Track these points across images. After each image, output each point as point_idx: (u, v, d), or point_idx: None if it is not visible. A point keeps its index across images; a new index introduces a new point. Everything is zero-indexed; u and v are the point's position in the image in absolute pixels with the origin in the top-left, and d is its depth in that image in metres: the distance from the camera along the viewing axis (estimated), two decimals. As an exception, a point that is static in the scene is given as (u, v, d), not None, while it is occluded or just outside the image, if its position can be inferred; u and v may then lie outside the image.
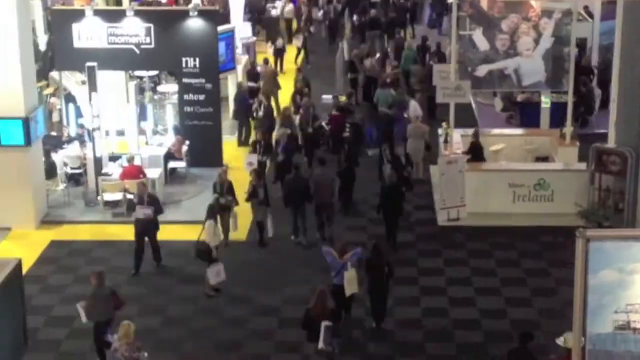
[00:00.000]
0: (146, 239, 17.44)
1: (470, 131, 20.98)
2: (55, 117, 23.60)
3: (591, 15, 27.33)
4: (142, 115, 23.09)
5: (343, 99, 25.27)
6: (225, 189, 18.35)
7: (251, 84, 26.41)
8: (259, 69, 27.45)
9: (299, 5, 35.66)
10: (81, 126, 22.10)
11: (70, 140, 21.95)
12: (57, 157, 21.24)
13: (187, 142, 21.86)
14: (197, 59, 21.81)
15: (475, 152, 20.10)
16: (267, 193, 18.55)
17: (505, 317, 15.78)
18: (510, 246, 18.23)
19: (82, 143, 21.43)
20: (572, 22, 20.62)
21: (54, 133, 22.60)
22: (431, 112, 24.74)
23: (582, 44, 25.65)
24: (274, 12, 35.45)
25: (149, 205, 17.33)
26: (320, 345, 13.25)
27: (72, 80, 23.74)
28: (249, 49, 29.33)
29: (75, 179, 21.22)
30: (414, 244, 18.49)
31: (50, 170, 20.88)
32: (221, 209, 17.99)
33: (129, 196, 19.22)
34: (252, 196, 18.32)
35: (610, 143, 18.67)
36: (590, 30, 26.52)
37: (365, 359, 14.71)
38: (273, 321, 15.67)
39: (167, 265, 17.65)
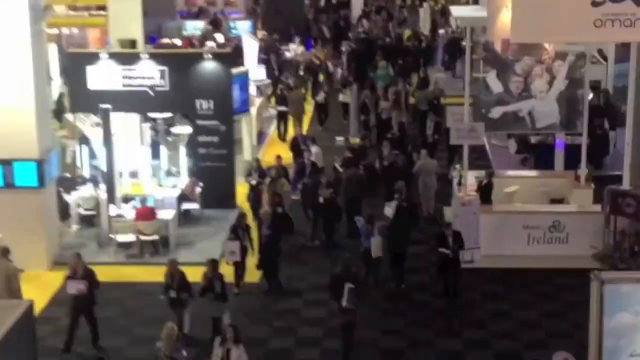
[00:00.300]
0: None
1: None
2: (68, 159, 23.66)
3: (605, 58, 27.39)
4: (155, 157, 23.12)
5: (357, 141, 25.33)
6: (176, 282, 16.37)
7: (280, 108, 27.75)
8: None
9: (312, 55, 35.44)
10: (95, 168, 22.14)
11: (84, 181, 21.99)
12: (71, 198, 21.27)
13: (201, 184, 21.87)
14: (212, 101, 21.90)
15: (485, 193, 20.01)
16: (224, 287, 16.30)
17: (521, 360, 15.66)
18: (525, 288, 18.09)
19: (96, 185, 21.46)
20: (586, 64, 20.63)
21: (67, 174, 22.64)
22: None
23: (597, 86, 25.63)
24: (288, 55, 35.67)
25: (82, 279, 15.92)
26: (344, 303, 15.07)
27: (86, 123, 23.85)
28: (262, 91, 29.50)
29: (88, 220, 21.22)
30: (426, 286, 18.37)
31: (63, 212, 20.90)
32: (173, 304, 16.38)
33: (142, 237, 19.27)
34: (206, 290, 16.17)
35: (625, 185, 18.58)
36: (604, 72, 26.54)
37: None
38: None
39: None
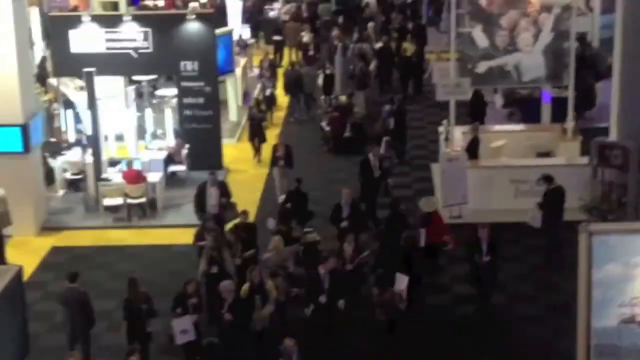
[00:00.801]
0: None
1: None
2: (55, 123, 23.51)
3: (591, 9, 27.27)
4: (141, 119, 23.04)
5: (343, 98, 25.23)
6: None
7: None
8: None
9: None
10: (79, 132, 21.99)
11: (69, 146, 21.88)
12: (56, 163, 21.16)
13: (187, 146, 21.77)
14: (196, 62, 21.73)
15: (473, 148, 19.97)
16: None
17: (512, 313, 15.70)
18: (514, 242, 18.12)
19: (82, 149, 21.33)
20: (572, 16, 20.51)
21: (53, 139, 22.51)
22: None
23: (583, 38, 25.53)
24: (272, 14, 35.39)
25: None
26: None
27: (70, 87, 23.67)
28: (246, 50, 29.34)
29: (74, 185, 21.13)
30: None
31: (48, 177, 20.80)
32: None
33: (129, 201, 19.23)
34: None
35: (612, 137, 18.57)
36: (590, 24, 26.42)
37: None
38: None
39: (169, 270, 17.52)
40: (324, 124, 24.02)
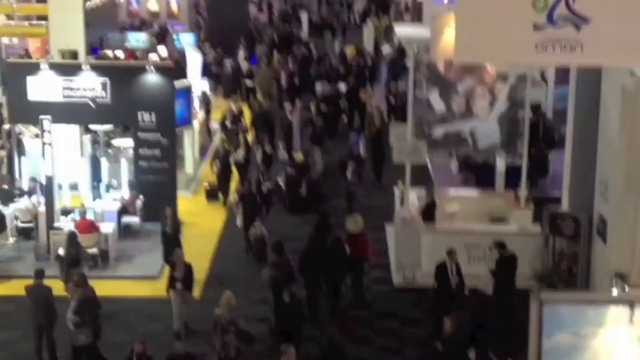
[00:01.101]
0: None
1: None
2: (3, 170, 23.25)
3: (546, 80, 27.73)
4: (95, 170, 22.89)
5: (299, 156, 25.35)
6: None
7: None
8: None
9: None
10: (33, 180, 21.79)
11: (22, 193, 21.64)
12: (8, 210, 20.90)
13: (141, 197, 21.66)
14: (154, 114, 21.73)
15: (428, 211, 20.12)
16: None
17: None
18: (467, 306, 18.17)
19: (35, 197, 21.13)
20: (527, 86, 20.87)
21: (4, 186, 22.26)
22: None
23: (537, 107, 25.93)
24: (228, 67, 35.58)
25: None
26: None
27: (26, 134, 23.53)
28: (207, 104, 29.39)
29: (25, 233, 20.86)
30: (370, 304, 18.37)
31: (0, 224, 20.51)
32: None
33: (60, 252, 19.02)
34: None
35: (564, 207, 18.81)
36: (544, 94, 26.86)
37: None
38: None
39: (120, 322, 17.31)
40: (280, 181, 24.05)
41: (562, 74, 25.31)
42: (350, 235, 18.26)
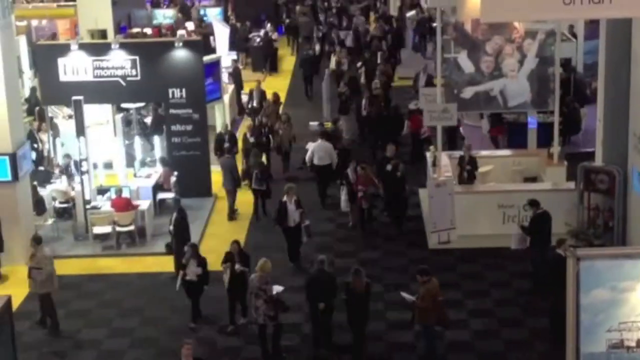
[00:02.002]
0: None
1: (457, 154, 21.10)
2: (44, 152, 23.49)
3: (575, 35, 27.51)
4: (129, 147, 23.11)
5: (329, 125, 25.35)
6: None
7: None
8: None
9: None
10: (67, 156, 21.98)
11: (58, 174, 21.88)
12: (45, 191, 21.16)
13: (176, 173, 21.82)
14: (184, 90, 21.83)
15: (470, 171, 20.18)
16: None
17: (499, 338, 15.75)
18: (502, 267, 18.21)
19: (69, 176, 21.35)
20: (556, 42, 20.71)
21: (41, 167, 22.53)
22: None
23: (567, 63, 25.75)
24: (258, 41, 35.61)
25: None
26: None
27: (59, 115, 23.75)
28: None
29: (63, 213, 21.11)
30: (406, 268, 18.44)
31: (39, 206, 20.78)
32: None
33: (118, 229, 19.28)
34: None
35: (598, 161, 18.72)
36: (574, 49, 26.65)
37: None
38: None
39: (158, 298, 17.55)
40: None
41: (592, 29, 25.12)
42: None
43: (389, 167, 20.17)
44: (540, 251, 16.98)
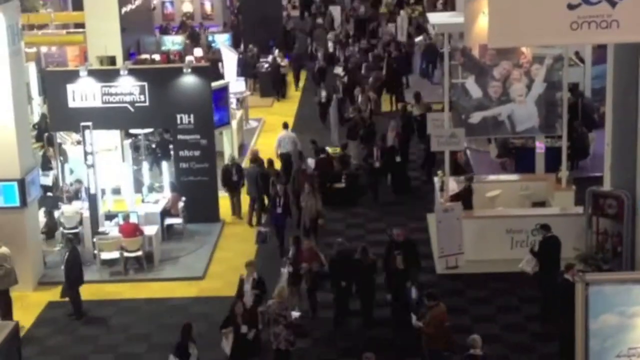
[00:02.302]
0: None
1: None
2: (51, 178, 23.50)
3: (582, 60, 27.52)
4: (137, 173, 23.16)
5: (338, 150, 25.35)
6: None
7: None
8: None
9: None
10: (78, 182, 22.04)
11: (66, 200, 21.93)
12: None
13: (183, 199, 21.84)
14: (192, 115, 21.89)
15: (466, 198, 20.06)
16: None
17: (506, 362, 15.71)
18: (510, 292, 18.14)
19: (79, 203, 21.39)
20: (564, 67, 20.73)
21: (49, 194, 22.57)
22: None
23: (574, 88, 25.75)
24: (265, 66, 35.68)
25: None
26: None
27: (67, 141, 23.82)
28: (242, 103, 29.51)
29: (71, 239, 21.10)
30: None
31: (51, 231, 20.82)
32: None
33: (126, 254, 19.30)
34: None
35: (606, 186, 18.67)
36: (582, 74, 26.66)
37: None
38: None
39: (166, 324, 17.51)
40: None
41: (599, 53, 25.13)
42: None
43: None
44: (549, 276, 16.91)
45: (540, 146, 21.98)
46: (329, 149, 25.19)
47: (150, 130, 25.05)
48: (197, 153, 22.17)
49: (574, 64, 26.21)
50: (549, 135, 22.00)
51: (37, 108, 28.33)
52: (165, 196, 22.16)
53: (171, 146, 22.98)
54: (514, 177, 22.75)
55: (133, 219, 20.24)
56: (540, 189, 21.19)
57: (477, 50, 20.54)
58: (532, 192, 21.15)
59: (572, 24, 12.62)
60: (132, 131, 24.26)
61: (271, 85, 34.46)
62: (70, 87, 21.62)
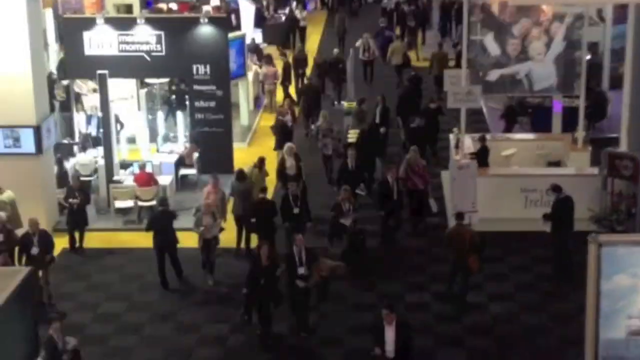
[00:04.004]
0: None
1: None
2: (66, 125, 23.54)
3: (603, 19, 27.26)
4: (153, 122, 23.18)
5: (353, 105, 25.24)
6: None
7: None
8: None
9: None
10: (92, 133, 22.09)
11: (81, 148, 21.99)
12: (68, 164, 21.26)
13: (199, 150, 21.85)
14: (208, 66, 21.83)
15: (481, 157, 20.03)
16: None
17: (519, 323, 15.73)
18: (523, 251, 18.16)
19: (94, 150, 21.47)
20: (584, 26, 20.54)
21: (64, 141, 22.61)
22: None
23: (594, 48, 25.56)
24: (283, 19, 35.50)
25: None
26: None
27: (83, 89, 23.82)
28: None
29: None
30: (427, 250, 18.43)
31: (63, 179, 20.88)
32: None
33: (140, 203, 19.39)
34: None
35: (622, 147, 18.59)
36: (602, 34, 26.43)
37: None
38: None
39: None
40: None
41: (620, 13, 24.87)
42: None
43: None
44: (562, 236, 16.91)
45: (557, 105, 21.86)
46: (345, 104, 25.12)
47: (165, 80, 25.04)
48: (212, 104, 22.14)
49: (595, 23, 25.97)
50: (566, 95, 21.86)
51: (53, 55, 28.27)
52: (179, 147, 22.19)
53: (187, 96, 22.95)
54: (529, 136, 22.67)
55: (148, 169, 20.29)
56: (556, 149, 21.11)
57: (496, 7, 20.38)
58: (547, 152, 21.08)
59: (594, -18, 12.54)
60: (147, 80, 24.22)
61: (285, 37, 34.26)
62: (86, 35, 21.56)
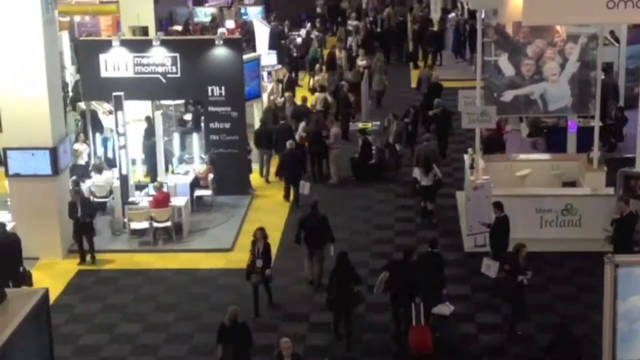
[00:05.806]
0: None
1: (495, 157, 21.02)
2: (80, 161, 23.44)
3: (617, 40, 27.25)
4: (168, 144, 23.24)
5: (369, 125, 25.30)
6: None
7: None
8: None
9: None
10: (99, 158, 22.17)
11: (97, 169, 22.06)
12: (84, 185, 21.33)
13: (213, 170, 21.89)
14: (223, 88, 21.92)
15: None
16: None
17: (535, 343, 15.64)
18: (538, 271, 18.05)
19: (105, 172, 21.55)
20: (598, 46, 20.54)
21: (81, 162, 22.70)
22: None
23: (608, 68, 25.51)
24: (299, 40, 35.59)
25: None
26: None
27: (100, 111, 23.94)
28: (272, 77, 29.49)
29: (101, 208, 21.26)
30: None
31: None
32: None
33: (155, 224, 19.42)
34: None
35: (638, 167, 18.53)
36: (616, 54, 26.41)
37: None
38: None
39: (194, 294, 17.64)
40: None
41: (635, 33, 24.88)
42: None
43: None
44: (499, 255, 17.04)
45: (572, 125, 21.82)
46: (360, 125, 25.16)
47: (181, 101, 25.14)
48: (227, 125, 22.21)
49: (609, 44, 25.97)
50: (582, 115, 21.82)
51: (70, 77, 28.46)
52: (195, 168, 22.25)
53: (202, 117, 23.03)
54: (545, 156, 22.62)
55: (163, 190, 20.33)
56: (571, 169, 21.05)
57: (510, 28, 20.39)
58: (562, 172, 21.03)
59: (608, 3, 12.51)
60: (162, 102, 24.32)
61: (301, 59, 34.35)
62: (102, 57, 21.70)
